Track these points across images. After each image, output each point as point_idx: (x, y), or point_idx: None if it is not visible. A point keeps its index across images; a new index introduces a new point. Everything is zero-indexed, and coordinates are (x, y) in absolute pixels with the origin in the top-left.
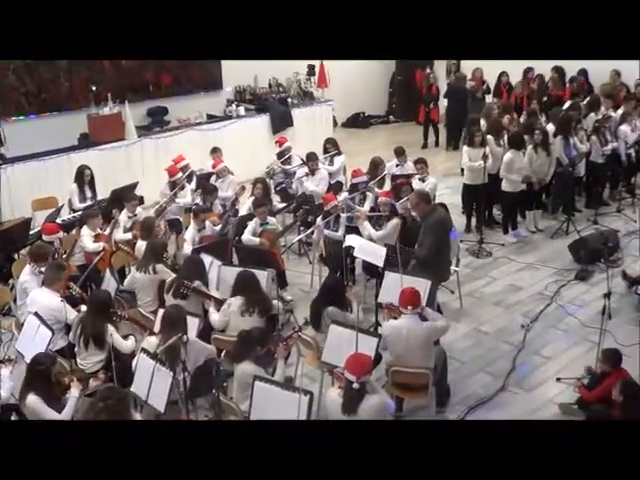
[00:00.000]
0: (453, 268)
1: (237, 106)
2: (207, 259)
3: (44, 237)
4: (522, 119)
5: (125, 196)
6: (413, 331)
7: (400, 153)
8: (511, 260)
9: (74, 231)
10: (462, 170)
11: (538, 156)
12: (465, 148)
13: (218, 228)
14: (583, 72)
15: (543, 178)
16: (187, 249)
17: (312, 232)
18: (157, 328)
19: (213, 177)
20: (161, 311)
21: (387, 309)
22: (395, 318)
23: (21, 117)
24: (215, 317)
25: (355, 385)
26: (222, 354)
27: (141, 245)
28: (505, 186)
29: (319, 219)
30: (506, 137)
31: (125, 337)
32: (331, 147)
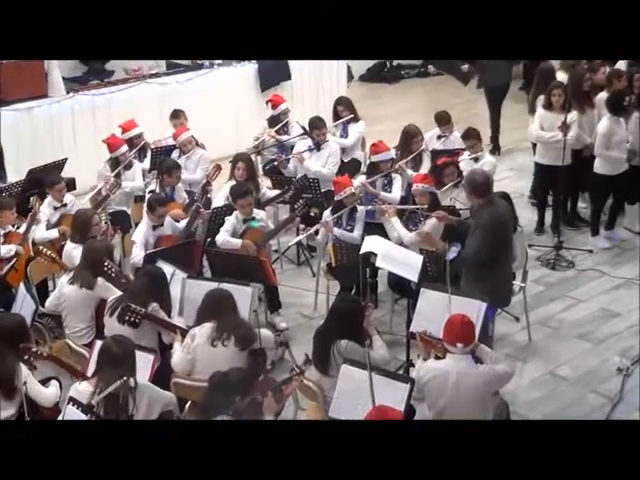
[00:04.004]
0: (517, 284)
1: None
2: (167, 269)
3: None
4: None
5: (48, 178)
6: (465, 378)
7: (444, 120)
8: (603, 274)
9: None
10: (533, 145)
11: None
12: (539, 111)
13: (182, 225)
14: None
15: None
16: (138, 255)
17: (317, 232)
18: (92, 368)
19: (175, 152)
20: (99, 343)
21: (423, 341)
22: (438, 357)
23: None
24: (175, 356)
25: None
26: (186, 406)
27: (72, 249)
28: (600, 167)
29: (327, 213)
30: (599, 97)
31: (46, 382)
32: (344, 110)
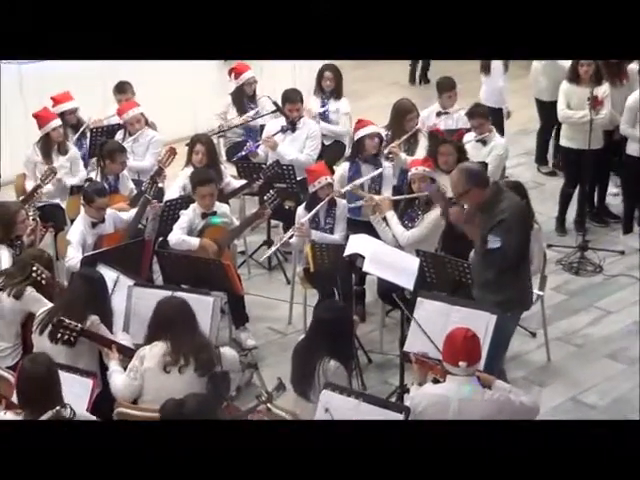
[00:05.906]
0: (534, 292)
1: None
2: (109, 275)
3: None
4: None
5: None
6: (469, 405)
7: (447, 87)
8: (637, 280)
9: None
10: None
11: None
12: (564, 85)
13: (128, 221)
14: None
15: None
16: (74, 257)
17: (292, 236)
18: (18, 396)
19: (120, 133)
20: None
21: (419, 364)
22: (436, 380)
23: None
24: (118, 380)
25: None
26: None
27: None
28: (632, 148)
29: (300, 211)
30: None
31: None
32: (330, 79)
